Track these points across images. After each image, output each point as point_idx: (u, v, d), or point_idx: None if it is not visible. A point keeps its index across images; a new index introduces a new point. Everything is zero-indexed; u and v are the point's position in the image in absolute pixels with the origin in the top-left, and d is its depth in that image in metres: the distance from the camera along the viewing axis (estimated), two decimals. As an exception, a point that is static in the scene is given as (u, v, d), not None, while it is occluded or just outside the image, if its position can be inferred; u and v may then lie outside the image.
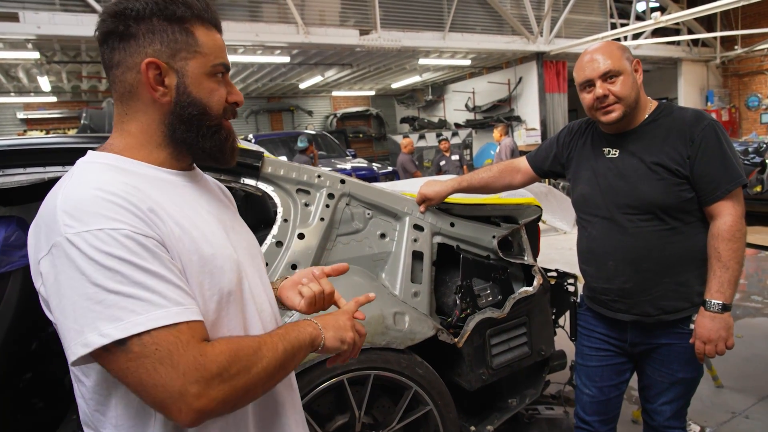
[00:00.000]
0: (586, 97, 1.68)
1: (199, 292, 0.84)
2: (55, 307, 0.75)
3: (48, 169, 1.70)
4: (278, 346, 0.85)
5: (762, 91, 14.15)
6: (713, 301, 1.58)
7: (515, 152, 8.73)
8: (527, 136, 11.61)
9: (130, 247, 0.75)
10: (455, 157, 9.04)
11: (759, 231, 2.34)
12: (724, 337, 1.59)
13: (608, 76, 1.62)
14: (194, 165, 1.01)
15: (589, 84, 1.66)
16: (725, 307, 1.58)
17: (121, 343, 0.71)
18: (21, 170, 1.66)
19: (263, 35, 8.33)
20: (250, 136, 10.37)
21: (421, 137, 12.70)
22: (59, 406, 2.04)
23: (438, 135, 12.11)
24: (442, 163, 9.01)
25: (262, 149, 2.03)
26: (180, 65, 0.89)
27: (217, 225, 0.94)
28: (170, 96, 0.89)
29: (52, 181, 1.68)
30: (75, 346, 0.72)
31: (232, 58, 9.42)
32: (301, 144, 8.10)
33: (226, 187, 1.88)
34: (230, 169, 1.87)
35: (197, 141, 0.92)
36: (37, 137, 1.80)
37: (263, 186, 1.94)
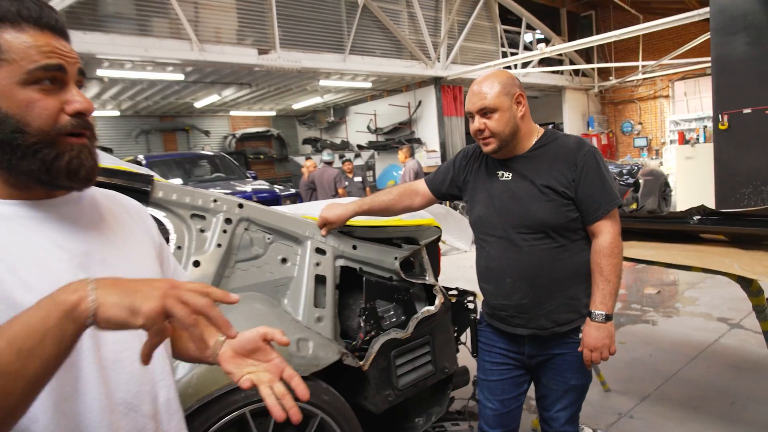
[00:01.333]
0: (471, 126, 1.83)
1: None
2: None
3: None
4: None
5: (634, 118, 15.92)
6: (597, 312, 1.74)
7: (419, 174, 8.98)
8: (427, 157, 12.08)
9: None
10: (358, 179, 9.14)
11: (634, 245, 2.61)
12: (607, 344, 1.75)
13: (484, 112, 1.76)
14: (66, 189, 0.90)
15: (471, 115, 1.81)
16: (608, 317, 1.74)
17: None
18: None
19: (153, 51, 7.99)
20: (141, 156, 9.79)
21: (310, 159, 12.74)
22: None
23: (341, 156, 12.24)
24: (345, 184, 9.10)
25: (152, 172, 1.94)
26: None
27: (65, 264, 0.85)
28: None
29: None
30: None
31: (117, 74, 8.92)
32: (327, 157, 8.58)
33: None
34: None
35: (12, 162, 0.82)
36: None
37: (154, 212, 1.85)
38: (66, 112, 0.83)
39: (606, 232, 1.75)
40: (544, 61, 13.52)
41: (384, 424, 2.29)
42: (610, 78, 15.53)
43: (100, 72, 8.67)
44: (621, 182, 8.09)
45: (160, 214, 1.87)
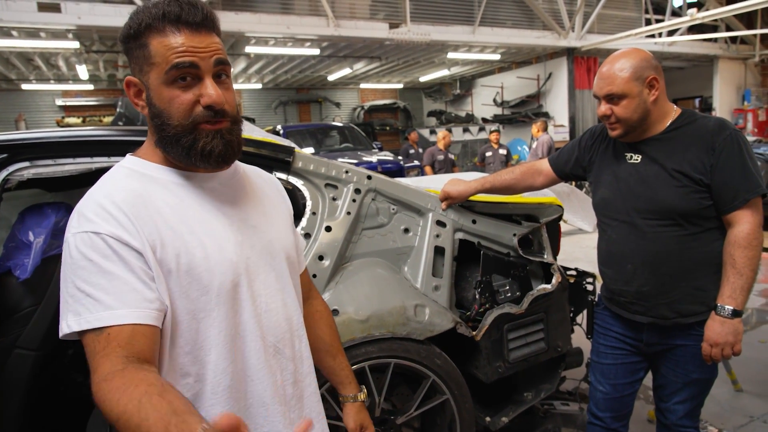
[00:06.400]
0: (598, 109, 1.75)
1: (185, 291, 0.92)
2: None
3: (95, 159, 1.82)
4: None
5: (803, 91, 13.70)
6: (725, 306, 1.62)
7: (552, 149, 8.57)
8: (555, 132, 11.48)
9: (101, 249, 0.86)
10: (503, 151, 8.86)
11: (784, 237, 2.34)
12: (731, 342, 1.62)
13: (611, 98, 1.67)
14: (203, 169, 1.02)
15: (598, 98, 1.73)
16: (736, 313, 1.61)
17: (81, 333, 0.84)
18: (71, 160, 1.79)
19: (294, 28, 8.45)
20: (279, 127, 10.51)
21: (448, 131, 12.67)
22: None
23: (480, 128, 12.19)
24: (488, 154, 8.89)
25: (293, 144, 2.12)
26: (146, 79, 0.94)
27: (228, 228, 0.99)
28: (147, 109, 0.97)
29: (99, 171, 1.80)
30: (60, 327, 0.86)
31: (262, 50, 9.56)
32: None
33: None
34: (263, 163, 1.96)
35: (165, 148, 0.97)
36: (85, 129, 1.92)
37: (293, 180, 2.03)
38: (201, 104, 0.93)
39: (744, 222, 1.60)
40: (694, 28, 12.06)
41: (493, 394, 2.34)
42: (776, 45, 13.46)
43: (248, 49, 9.38)
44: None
45: (299, 182, 2.04)
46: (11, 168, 1.69)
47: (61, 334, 0.85)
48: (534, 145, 8.98)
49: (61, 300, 0.87)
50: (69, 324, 0.84)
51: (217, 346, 0.95)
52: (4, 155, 1.68)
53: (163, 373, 0.91)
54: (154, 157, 0.99)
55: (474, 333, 2.06)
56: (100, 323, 0.83)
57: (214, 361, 0.94)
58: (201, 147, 0.94)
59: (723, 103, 13.49)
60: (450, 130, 12.57)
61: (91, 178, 1.98)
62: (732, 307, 1.60)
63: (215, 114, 0.94)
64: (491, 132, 9.29)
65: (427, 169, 8.39)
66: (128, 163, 1.00)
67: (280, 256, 1.09)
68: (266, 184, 1.18)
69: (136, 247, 0.88)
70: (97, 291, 0.84)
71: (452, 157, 8.82)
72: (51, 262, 1.90)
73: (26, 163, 1.72)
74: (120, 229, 0.87)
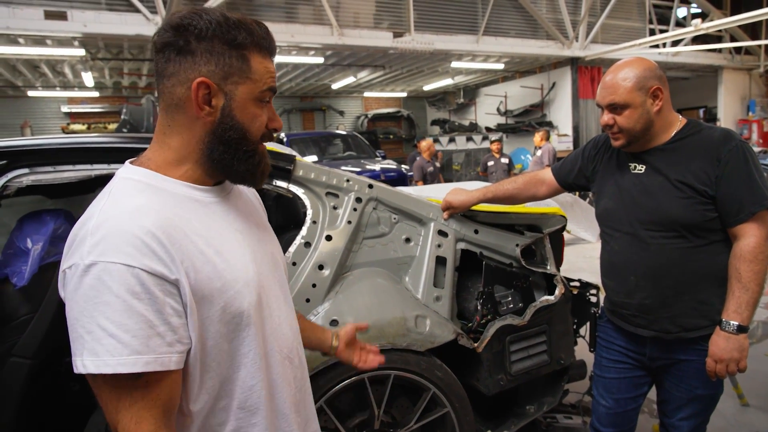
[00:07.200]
0: (600, 118, 1.73)
1: (217, 316, 0.89)
2: (67, 317, 0.81)
3: (95, 166, 1.81)
4: None
5: (808, 102, 13.66)
6: (730, 321, 1.58)
7: (555, 158, 8.56)
8: (559, 141, 11.49)
9: (131, 286, 0.78)
10: (505, 160, 8.83)
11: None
12: (736, 358, 1.58)
13: (613, 107, 1.65)
14: (251, 186, 1.05)
15: (601, 107, 1.71)
16: (741, 329, 1.57)
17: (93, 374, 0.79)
18: (70, 167, 1.78)
19: (298, 36, 8.49)
20: (283, 135, 10.54)
21: (451, 140, 12.69)
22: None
23: (484, 137, 12.20)
24: (490, 163, 8.87)
25: (294, 152, 2.11)
26: (230, 88, 0.91)
27: (243, 243, 0.97)
28: (214, 116, 0.91)
29: (98, 178, 1.79)
30: (74, 363, 0.80)
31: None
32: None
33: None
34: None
35: (232, 163, 0.94)
36: (85, 136, 1.91)
37: (294, 188, 2.01)
38: (267, 127, 0.97)
39: (750, 235, 1.57)
40: (698, 39, 12.07)
41: (495, 407, 2.31)
42: (781, 56, 13.42)
43: (252, 57, 9.40)
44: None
45: (300, 191, 2.03)
46: (10, 174, 1.69)
47: (75, 371, 0.79)
48: (539, 153, 8.98)
49: (73, 332, 0.80)
50: (85, 364, 0.78)
51: (246, 366, 0.94)
52: (3, 162, 1.67)
53: (194, 395, 0.89)
54: (172, 170, 0.93)
55: (475, 345, 2.03)
56: (124, 369, 0.77)
57: (242, 378, 0.94)
58: (262, 168, 0.99)
59: (728, 114, 13.46)
60: (453, 139, 12.61)
61: (91, 185, 1.99)
62: (737, 323, 1.57)
63: (272, 136, 1.01)
64: (492, 142, 9.24)
65: (419, 184, 8.22)
66: (138, 174, 0.91)
67: (280, 266, 1.10)
68: (249, 191, 1.17)
69: (172, 279, 0.82)
70: (122, 332, 0.77)
71: (438, 164, 8.75)
72: (48, 270, 1.89)
73: (25, 170, 1.71)
74: (155, 260, 0.80)
